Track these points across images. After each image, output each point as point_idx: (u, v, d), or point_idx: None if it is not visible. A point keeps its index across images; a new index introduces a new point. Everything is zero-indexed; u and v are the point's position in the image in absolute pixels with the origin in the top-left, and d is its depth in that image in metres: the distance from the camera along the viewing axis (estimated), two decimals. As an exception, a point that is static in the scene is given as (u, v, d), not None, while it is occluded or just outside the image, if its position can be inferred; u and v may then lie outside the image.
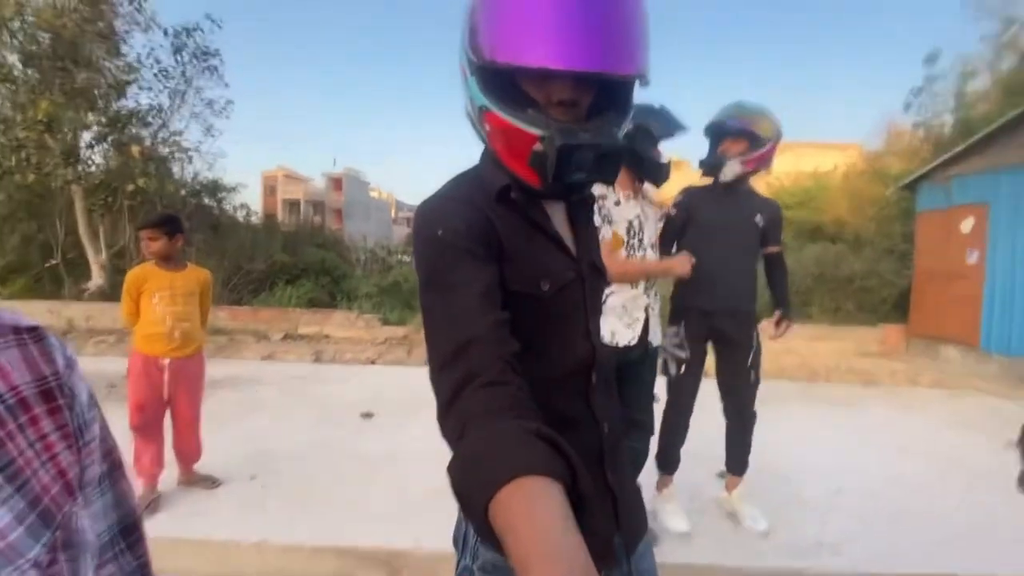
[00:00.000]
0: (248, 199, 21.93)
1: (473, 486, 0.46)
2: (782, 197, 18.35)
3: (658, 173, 2.11)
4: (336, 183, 38.18)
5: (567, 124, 0.67)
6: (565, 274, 0.79)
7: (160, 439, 2.53)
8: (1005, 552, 2.12)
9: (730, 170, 2.24)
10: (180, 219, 2.63)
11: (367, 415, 4.14)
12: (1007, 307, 6.72)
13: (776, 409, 3.97)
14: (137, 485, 2.39)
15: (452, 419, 0.58)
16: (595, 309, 0.85)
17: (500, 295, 0.69)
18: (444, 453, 0.53)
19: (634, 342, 2.10)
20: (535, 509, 0.41)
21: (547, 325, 0.78)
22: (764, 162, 2.26)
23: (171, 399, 2.52)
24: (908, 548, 2.37)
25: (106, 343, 7.25)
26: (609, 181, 0.75)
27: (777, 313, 2.43)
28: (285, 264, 18.59)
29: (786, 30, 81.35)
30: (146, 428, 2.45)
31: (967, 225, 7.36)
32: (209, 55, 9.56)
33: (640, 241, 2.17)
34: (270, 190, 37.70)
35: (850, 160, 18.75)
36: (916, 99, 12.40)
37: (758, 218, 2.34)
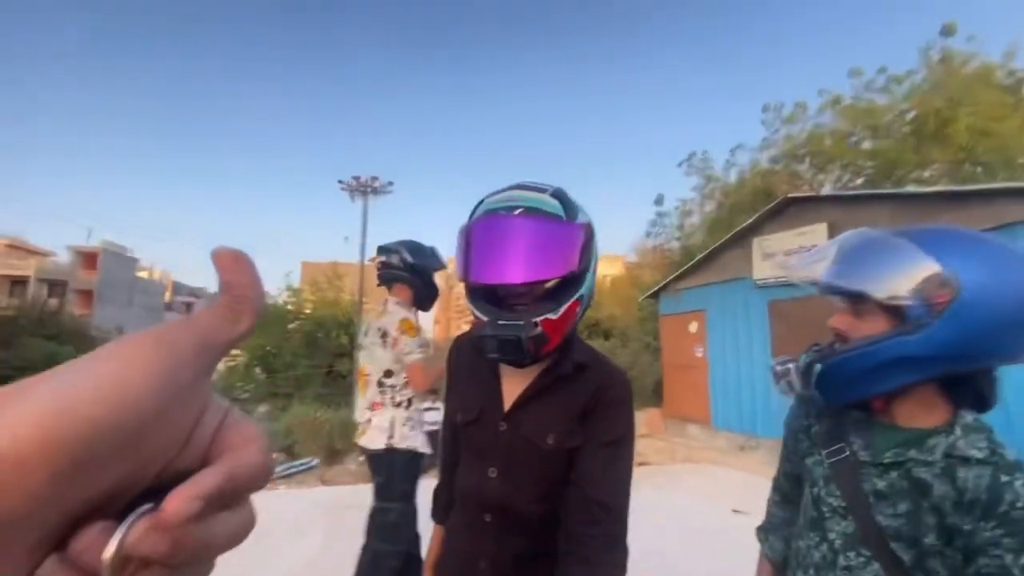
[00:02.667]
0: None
1: None
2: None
3: (432, 299, 2.53)
4: (88, 259, 31.07)
5: (497, 317, 0.86)
6: (474, 411, 0.96)
7: None
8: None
9: None
10: None
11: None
12: (725, 392, 8.67)
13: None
14: None
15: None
16: (498, 457, 0.93)
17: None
18: None
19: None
20: None
21: (464, 452, 1.01)
22: None
23: None
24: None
25: None
26: (519, 363, 0.89)
27: None
28: (-9, 361, 14.07)
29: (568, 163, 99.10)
30: None
31: (693, 327, 9.48)
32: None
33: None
34: (-19, 263, 28.79)
35: (617, 269, 22.93)
36: (653, 228, 16.07)
37: None
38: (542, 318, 0.84)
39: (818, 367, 0.81)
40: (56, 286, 29.18)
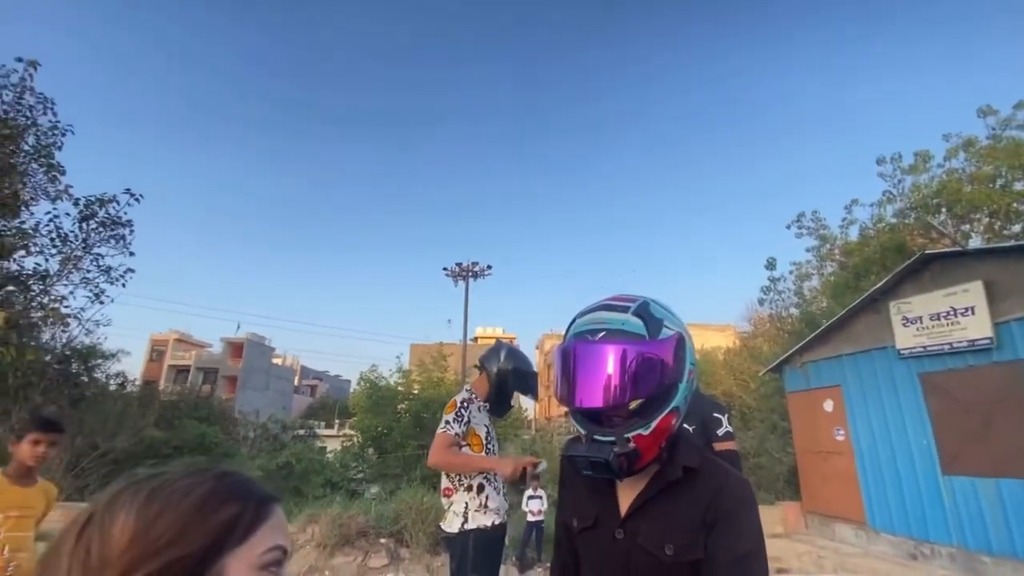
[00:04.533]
0: (131, 366, 19.68)
1: None
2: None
3: (502, 409, 2.64)
4: (235, 349, 35.71)
5: (592, 432, 0.89)
6: (590, 517, 0.95)
7: None
8: None
9: None
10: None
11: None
12: (880, 485, 7.32)
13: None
14: None
15: None
16: (617, 568, 0.90)
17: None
18: None
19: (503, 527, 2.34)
20: None
21: (583, 560, 0.98)
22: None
23: None
24: None
25: None
26: (615, 477, 0.90)
27: None
28: (156, 441, 16.16)
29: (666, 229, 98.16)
30: None
31: (829, 405, 8.33)
32: (120, 225, 9.42)
33: (493, 449, 2.47)
34: (157, 355, 34.31)
35: (728, 340, 21.31)
36: (767, 296, 14.89)
37: (691, 425, 2.47)
38: (634, 434, 0.85)
39: None
40: (209, 373, 33.65)
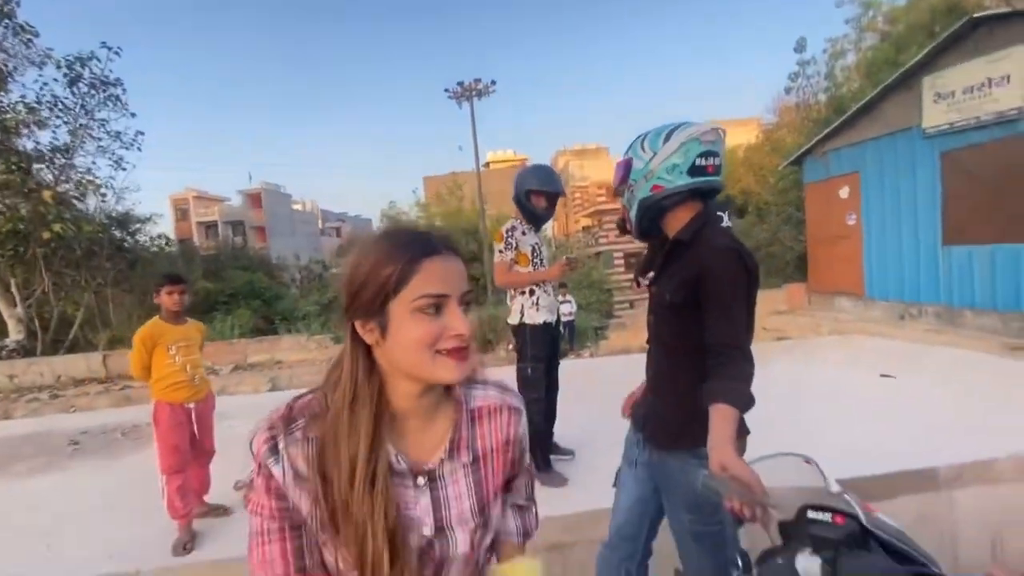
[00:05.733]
0: (164, 228, 20.43)
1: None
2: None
3: (541, 222, 2.99)
4: (254, 199, 36.20)
5: None
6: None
7: (190, 481, 2.69)
8: (875, 463, 2.77)
9: None
10: None
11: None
12: (882, 260, 7.95)
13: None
14: (173, 528, 2.53)
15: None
16: (653, 306, 1.40)
17: None
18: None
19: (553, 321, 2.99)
20: None
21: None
22: None
23: (193, 440, 2.70)
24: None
25: (40, 401, 6.85)
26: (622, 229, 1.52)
27: None
28: (210, 291, 17.55)
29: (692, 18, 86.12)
30: (180, 470, 2.59)
31: (844, 192, 8.56)
32: (109, 84, 9.04)
33: (541, 260, 2.96)
34: (182, 214, 35.18)
35: (751, 134, 20.55)
36: (794, 83, 13.90)
37: None
38: (621, 204, 1.46)
39: None
40: (237, 226, 34.76)
